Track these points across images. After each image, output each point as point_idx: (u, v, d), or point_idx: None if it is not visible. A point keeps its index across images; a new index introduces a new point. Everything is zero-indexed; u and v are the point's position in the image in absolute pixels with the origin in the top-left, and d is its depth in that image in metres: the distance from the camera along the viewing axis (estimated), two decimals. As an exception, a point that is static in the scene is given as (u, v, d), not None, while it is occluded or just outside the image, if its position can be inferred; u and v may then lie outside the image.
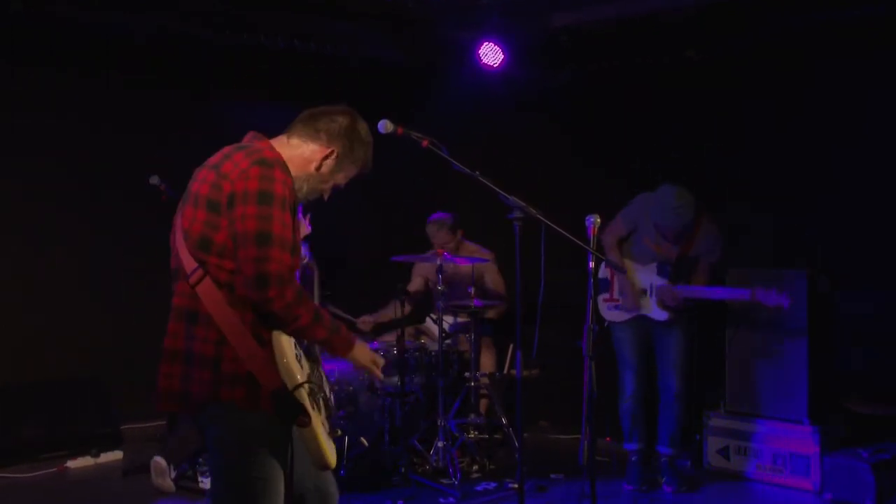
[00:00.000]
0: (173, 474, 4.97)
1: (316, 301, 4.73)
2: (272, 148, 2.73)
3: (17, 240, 6.16)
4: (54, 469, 5.55)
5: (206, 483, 4.97)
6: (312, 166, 2.81)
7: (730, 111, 6.23)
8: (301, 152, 2.80)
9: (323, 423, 2.64)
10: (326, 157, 2.81)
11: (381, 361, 2.90)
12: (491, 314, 6.20)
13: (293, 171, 2.73)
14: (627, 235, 5.20)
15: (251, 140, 2.79)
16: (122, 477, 5.42)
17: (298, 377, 2.53)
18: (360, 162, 2.88)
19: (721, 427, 5.47)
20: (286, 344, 2.56)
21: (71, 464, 5.62)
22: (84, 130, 6.37)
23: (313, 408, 2.57)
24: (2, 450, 5.50)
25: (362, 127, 2.88)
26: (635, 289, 5.15)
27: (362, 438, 5.13)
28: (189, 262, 2.60)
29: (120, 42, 6.18)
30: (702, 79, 6.29)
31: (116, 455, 5.81)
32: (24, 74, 6.15)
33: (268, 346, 2.54)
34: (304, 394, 2.53)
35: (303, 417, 2.50)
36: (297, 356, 2.60)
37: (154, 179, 5.12)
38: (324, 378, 2.85)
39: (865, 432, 5.19)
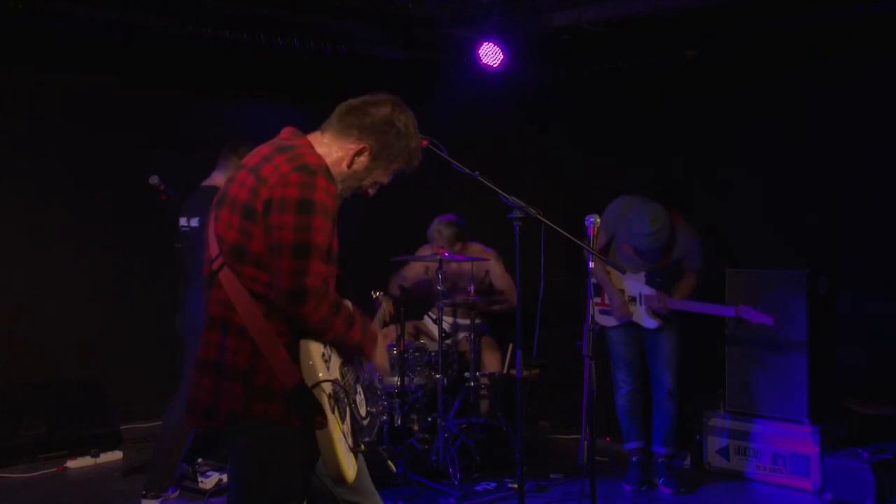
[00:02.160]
0: (170, 492, 4.91)
1: None
2: (313, 149, 2.58)
3: (17, 240, 6.17)
4: (54, 469, 5.54)
5: (206, 483, 4.96)
6: (344, 164, 2.63)
7: (730, 111, 6.23)
8: (333, 150, 2.63)
9: (344, 433, 2.49)
10: (358, 154, 2.63)
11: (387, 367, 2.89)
12: (498, 308, 6.15)
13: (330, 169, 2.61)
14: (608, 244, 5.20)
15: (290, 137, 2.64)
16: (122, 477, 5.42)
17: (320, 375, 2.41)
18: (401, 156, 2.69)
19: (721, 427, 5.47)
20: (314, 347, 2.45)
21: (71, 464, 5.62)
22: (84, 130, 6.37)
23: (333, 412, 2.43)
24: (2, 450, 5.50)
25: (401, 118, 2.68)
26: (624, 297, 5.17)
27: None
28: (215, 262, 2.49)
29: (120, 42, 6.18)
30: (702, 79, 6.29)
31: (116, 455, 5.80)
32: (23, 74, 6.16)
33: (298, 354, 2.45)
34: (323, 393, 2.40)
35: (319, 418, 2.38)
36: (324, 355, 2.48)
37: (154, 179, 5.11)
38: (357, 390, 2.71)
39: (865, 432, 5.20)
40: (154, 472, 4.80)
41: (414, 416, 5.57)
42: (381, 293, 3.38)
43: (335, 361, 2.55)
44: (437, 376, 5.41)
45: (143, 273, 6.44)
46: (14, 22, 5.68)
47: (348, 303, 2.66)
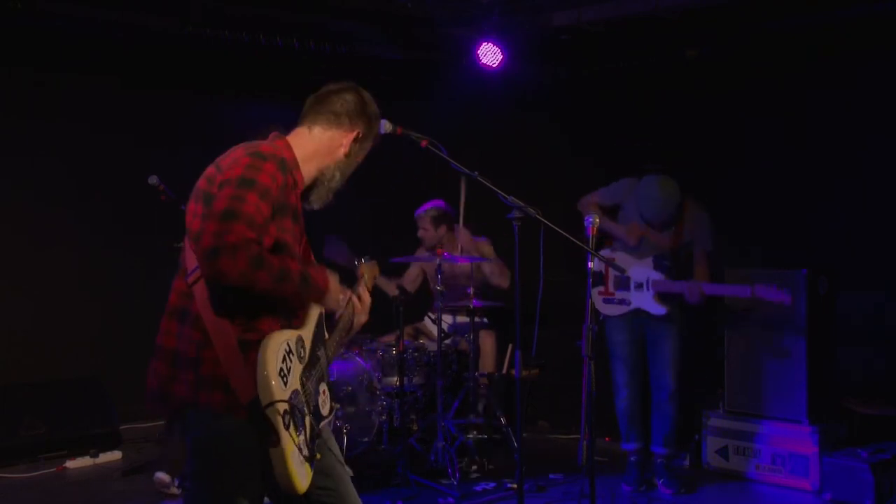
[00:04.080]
0: (177, 483, 4.94)
1: None
2: (287, 146, 2.68)
3: (17, 240, 6.17)
4: (53, 469, 5.54)
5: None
6: (342, 152, 2.76)
7: (730, 111, 6.23)
8: (327, 139, 2.74)
9: (300, 446, 2.47)
10: (355, 140, 2.77)
11: (346, 295, 2.79)
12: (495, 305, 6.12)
13: (322, 161, 2.73)
14: (609, 209, 5.19)
15: (269, 138, 2.73)
16: (122, 477, 5.42)
17: (275, 394, 2.38)
18: (375, 135, 2.87)
19: (720, 427, 5.47)
20: (271, 353, 2.41)
21: (70, 464, 5.62)
22: (83, 130, 6.38)
23: (287, 427, 2.41)
24: (2, 450, 5.50)
25: (370, 99, 2.84)
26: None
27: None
28: (191, 261, 2.54)
29: (120, 42, 6.19)
30: (702, 79, 6.29)
31: (115, 455, 5.80)
32: (23, 74, 6.16)
33: (252, 354, 2.41)
34: (276, 413, 2.38)
35: (271, 437, 2.38)
36: (282, 370, 2.43)
37: (153, 179, 5.11)
38: (320, 390, 2.67)
39: (865, 432, 5.19)
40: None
41: (413, 416, 5.57)
42: (365, 259, 3.15)
43: (296, 368, 2.52)
44: (437, 376, 5.41)
45: (143, 273, 6.43)
46: (14, 22, 5.68)
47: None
